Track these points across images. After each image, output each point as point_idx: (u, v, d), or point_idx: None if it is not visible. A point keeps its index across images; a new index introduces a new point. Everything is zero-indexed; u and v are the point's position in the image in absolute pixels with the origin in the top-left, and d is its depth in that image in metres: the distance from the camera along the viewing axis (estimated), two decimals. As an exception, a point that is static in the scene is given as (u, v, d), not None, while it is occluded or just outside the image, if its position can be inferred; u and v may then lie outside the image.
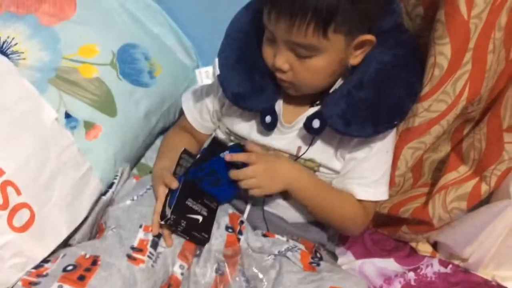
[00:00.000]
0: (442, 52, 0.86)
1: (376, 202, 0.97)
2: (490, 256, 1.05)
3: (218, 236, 0.93)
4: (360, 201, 0.96)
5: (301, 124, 0.95)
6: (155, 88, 1.12)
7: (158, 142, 1.19)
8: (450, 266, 1.09)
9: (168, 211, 0.89)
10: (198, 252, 0.91)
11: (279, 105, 0.97)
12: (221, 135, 1.05)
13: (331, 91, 0.92)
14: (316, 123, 0.90)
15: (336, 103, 0.89)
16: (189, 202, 0.91)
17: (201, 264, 0.90)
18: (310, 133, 0.92)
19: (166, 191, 0.91)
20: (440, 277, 1.08)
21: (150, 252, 0.86)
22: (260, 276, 0.88)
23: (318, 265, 0.90)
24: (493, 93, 0.94)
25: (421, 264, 1.09)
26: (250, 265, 0.89)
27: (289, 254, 0.91)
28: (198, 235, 0.91)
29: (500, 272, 1.07)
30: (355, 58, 0.89)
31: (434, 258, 1.11)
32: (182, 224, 0.89)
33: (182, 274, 0.88)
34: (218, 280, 0.89)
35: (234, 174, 0.91)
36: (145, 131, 1.11)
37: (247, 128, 1.00)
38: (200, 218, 0.91)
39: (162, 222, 0.89)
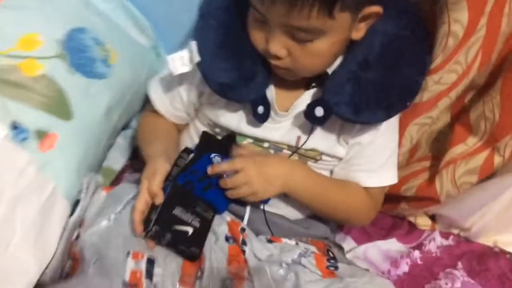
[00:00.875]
0: (457, 19, 0.76)
1: (384, 187, 0.89)
2: (492, 222, 1.01)
3: (218, 251, 0.80)
4: (366, 189, 0.87)
5: (297, 110, 0.84)
6: (113, 78, 0.95)
7: (120, 139, 1.03)
8: (451, 237, 1.05)
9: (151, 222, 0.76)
10: (199, 273, 0.79)
11: (271, 91, 0.84)
12: (201, 127, 0.91)
13: (330, 71, 0.80)
14: (319, 112, 0.79)
15: (341, 88, 0.78)
16: (177, 211, 0.77)
17: (205, 286, 0.77)
18: (313, 123, 0.80)
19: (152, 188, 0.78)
20: (445, 251, 1.03)
21: (147, 286, 0.73)
22: (278, 293, 0.77)
23: (336, 268, 0.81)
24: (499, 57, 0.86)
25: (424, 240, 1.04)
26: (261, 280, 0.78)
27: (303, 261, 0.80)
28: (186, 249, 0.78)
29: (503, 237, 1.03)
30: (358, 32, 0.77)
31: (435, 231, 1.06)
32: (167, 236, 0.76)
33: (186, 302, 0.76)
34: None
35: (223, 182, 0.80)
36: (107, 131, 0.94)
37: (234, 120, 0.86)
38: (190, 230, 0.78)
39: (142, 234, 0.76)
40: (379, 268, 0.99)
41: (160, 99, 0.92)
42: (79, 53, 0.90)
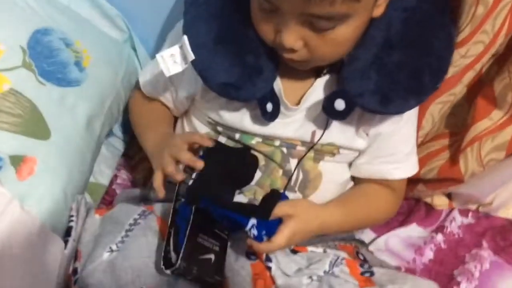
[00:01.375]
0: (487, -17, 0.67)
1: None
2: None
3: (241, 270, 0.71)
4: (389, 181, 0.79)
5: (310, 102, 0.74)
6: (89, 83, 0.82)
7: (103, 150, 0.90)
8: (470, 214, 0.99)
9: (174, 255, 0.65)
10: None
11: (278, 84, 0.74)
12: (198, 124, 0.81)
13: (345, 57, 0.71)
14: (340, 105, 0.69)
15: (363, 75, 0.68)
16: (201, 239, 0.67)
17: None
18: (334, 118, 0.71)
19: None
20: (466, 230, 0.97)
21: (170, 325, 0.64)
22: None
23: (372, 274, 0.73)
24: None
25: (444, 222, 0.97)
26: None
27: (336, 270, 0.72)
28: (211, 279, 0.68)
29: (521, 208, 0.98)
30: (378, 8, 0.67)
31: (453, 209, 0.99)
32: (194, 271, 0.66)
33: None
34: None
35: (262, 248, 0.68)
36: (91, 145, 0.82)
37: (237, 118, 0.76)
38: (212, 257, 0.68)
39: (168, 272, 0.65)
40: (403, 258, 0.92)
41: (152, 93, 0.84)
42: (47, 58, 0.78)
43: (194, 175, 0.69)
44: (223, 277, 0.70)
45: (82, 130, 0.79)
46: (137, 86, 0.87)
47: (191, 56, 0.68)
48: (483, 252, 0.93)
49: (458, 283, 0.88)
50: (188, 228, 0.65)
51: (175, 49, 0.70)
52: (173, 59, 0.70)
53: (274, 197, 0.70)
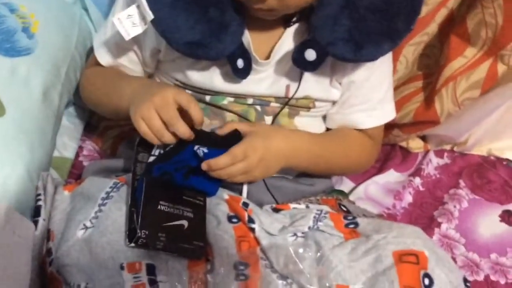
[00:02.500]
0: None
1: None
2: (487, 132, 0.95)
3: (223, 235, 0.68)
4: (364, 131, 0.77)
5: (281, 55, 0.71)
6: (41, 50, 0.76)
7: (64, 121, 0.85)
8: (446, 154, 1.00)
9: (137, 227, 0.63)
10: (209, 267, 0.67)
11: (246, 38, 0.70)
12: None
13: (315, 2, 0.66)
14: (310, 55, 0.66)
15: (334, 22, 0.65)
16: (163, 206, 0.64)
17: (218, 279, 0.66)
18: (304, 70, 0.68)
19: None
20: (443, 171, 0.98)
21: (155, 300, 0.61)
22: (298, 266, 0.67)
23: (356, 225, 0.71)
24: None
25: (421, 165, 0.97)
26: (278, 257, 0.68)
27: (320, 225, 0.70)
28: (188, 246, 0.66)
29: (496, 145, 0.99)
30: None
31: (428, 151, 0.99)
32: (162, 239, 0.63)
33: (204, 305, 0.65)
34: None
35: (216, 174, 0.66)
36: (51, 117, 0.77)
37: (206, 78, 0.72)
38: (184, 223, 0.66)
39: (132, 245, 0.62)
40: (384, 204, 0.92)
41: (110, 59, 0.77)
42: (-8, 27, 0.71)
43: (155, 151, 0.66)
44: (205, 242, 0.67)
45: (39, 102, 0.74)
46: (90, 63, 0.80)
47: (150, 16, 0.63)
48: (461, 191, 0.93)
49: (439, 224, 0.89)
50: (142, 196, 0.63)
51: (133, 9, 0.65)
52: (131, 21, 0.65)
53: (235, 136, 0.68)
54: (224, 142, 0.68)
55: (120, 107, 0.70)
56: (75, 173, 0.85)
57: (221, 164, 0.65)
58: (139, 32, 0.65)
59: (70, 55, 0.81)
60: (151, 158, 0.68)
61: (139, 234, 0.61)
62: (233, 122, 0.72)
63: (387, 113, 0.79)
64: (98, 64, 0.78)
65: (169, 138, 0.65)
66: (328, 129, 0.80)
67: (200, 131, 0.68)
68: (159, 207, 0.64)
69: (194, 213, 0.67)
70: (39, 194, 0.71)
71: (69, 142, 0.84)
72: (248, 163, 0.66)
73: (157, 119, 0.64)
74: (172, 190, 0.66)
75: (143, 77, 0.77)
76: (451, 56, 0.81)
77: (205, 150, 0.65)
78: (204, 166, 0.65)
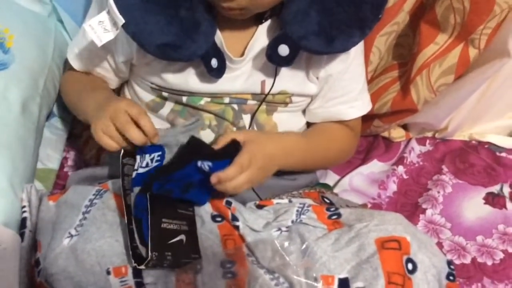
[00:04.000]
0: None
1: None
2: (467, 117, 0.96)
3: (209, 234, 0.69)
4: (345, 124, 0.79)
5: (255, 52, 0.72)
6: (17, 64, 0.77)
7: (46, 133, 0.86)
8: (428, 141, 1.01)
9: (143, 249, 0.62)
10: (198, 267, 0.68)
11: (218, 37, 0.71)
12: (141, 92, 0.77)
13: None
14: (283, 50, 0.67)
15: (304, 16, 0.66)
16: (165, 224, 0.65)
17: (206, 279, 0.67)
18: (279, 65, 0.69)
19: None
20: (425, 158, 0.99)
21: (142, 304, 0.62)
22: (284, 259, 0.68)
23: (339, 215, 0.72)
24: None
25: (403, 153, 0.98)
26: (264, 253, 0.68)
27: (303, 218, 0.71)
28: (188, 260, 0.66)
29: (477, 129, 1.00)
30: None
31: (410, 140, 1.00)
32: (168, 257, 0.64)
33: (192, 304, 0.65)
34: (233, 285, 0.67)
35: (224, 187, 0.66)
36: (31, 130, 0.77)
37: (181, 79, 0.73)
38: (183, 237, 0.66)
39: (143, 267, 0.62)
40: (368, 194, 0.93)
41: (86, 67, 0.78)
42: (-35, 44, 0.71)
43: (141, 163, 0.66)
44: (200, 255, 0.68)
45: (18, 115, 0.74)
46: (67, 67, 0.81)
47: (121, 20, 0.64)
48: (444, 177, 0.95)
49: (424, 210, 0.90)
50: (149, 218, 0.63)
51: (103, 16, 0.65)
52: (103, 27, 0.66)
53: (233, 146, 0.68)
54: (223, 154, 0.68)
55: (86, 118, 0.72)
56: (61, 184, 0.86)
57: (230, 176, 0.65)
58: (111, 38, 0.66)
59: (47, 67, 0.82)
60: (141, 170, 0.67)
61: (150, 257, 0.61)
62: (228, 133, 0.72)
63: (367, 103, 0.81)
64: (73, 68, 0.79)
65: (126, 143, 0.65)
66: (308, 124, 0.82)
67: (197, 144, 0.67)
68: (162, 225, 0.64)
69: (188, 225, 0.68)
70: (24, 206, 0.72)
71: (52, 154, 0.85)
72: (251, 172, 0.67)
73: (112, 126, 0.64)
74: (168, 205, 0.66)
75: (107, 92, 0.77)
76: (423, 43, 0.82)
77: (210, 164, 0.64)
78: (213, 179, 0.64)
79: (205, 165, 0.64)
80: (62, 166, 0.88)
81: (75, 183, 0.77)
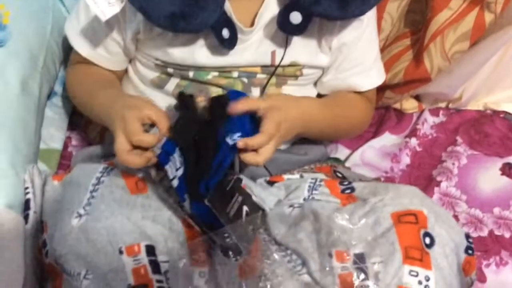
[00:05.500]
0: None
1: None
2: (481, 86, 0.93)
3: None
4: (362, 93, 0.76)
5: (265, 21, 0.69)
6: (14, 41, 0.74)
7: (48, 112, 0.83)
8: (441, 112, 0.98)
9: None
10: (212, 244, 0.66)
11: (227, 6, 0.68)
12: (144, 70, 0.74)
13: None
14: (295, 18, 0.64)
15: None
16: (230, 211, 0.63)
17: (219, 258, 0.65)
18: (291, 34, 0.66)
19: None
20: (439, 129, 0.95)
21: (158, 280, 0.60)
22: (298, 236, 0.66)
23: (353, 189, 0.70)
24: None
25: (416, 125, 0.95)
26: (278, 230, 0.66)
27: (316, 194, 0.69)
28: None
29: (492, 98, 0.97)
30: None
31: (423, 111, 0.97)
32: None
33: (206, 282, 0.63)
34: (245, 264, 0.65)
35: (255, 159, 0.63)
36: (32, 109, 0.75)
37: (188, 53, 0.70)
38: (246, 208, 0.64)
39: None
40: (381, 168, 0.90)
41: (88, 48, 0.74)
42: (-40, 21, 0.69)
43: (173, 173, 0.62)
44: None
45: (18, 94, 0.72)
46: (72, 56, 0.78)
47: (124, -10, 0.61)
48: (459, 148, 0.92)
49: (439, 183, 0.87)
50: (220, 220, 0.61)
51: (106, -13, 0.62)
52: (107, 0, 0.63)
53: (223, 99, 0.65)
54: (218, 116, 0.64)
55: (101, 122, 0.72)
56: (65, 164, 0.84)
57: (258, 142, 0.62)
58: (117, 11, 0.63)
59: (46, 44, 0.79)
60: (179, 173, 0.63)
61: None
62: (251, 98, 0.68)
63: (381, 73, 0.78)
64: (79, 61, 0.76)
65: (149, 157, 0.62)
66: (320, 95, 0.79)
67: (215, 116, 0.64)
68: (230, 215, 0.62)
69: (242, 195, 0.65)
70: (27, 188, 0.70)
71: (56, 133, 0.83)
72: (277, 140, 0.64)
73: (128, 145, 0.62)
74: (221, 193, 0.63)
75: (115, 91, 0.74)
76: (437, 9, 0.79)
77: (239, 135, 0.61)
78: (240, 143, 0.61)
79: (235, 138, 0.61)
80: (66, 145, 0.86)
81: (80, 162, 0.75)
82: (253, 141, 0.62)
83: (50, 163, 0.80)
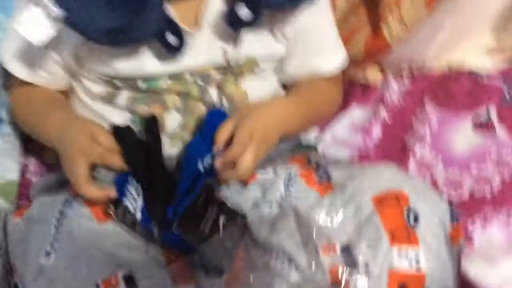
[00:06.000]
0: None
1: None
2: (443, 45, 0.91)
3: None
4: (327, 77, 0.74)
5: (211, 19, 0.67)
6: None
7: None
8: (405, 77, 0.95)
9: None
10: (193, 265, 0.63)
11: (168, 10, 0.63)
12: (91, 85, 0.70)
13: None
14: (244, 12, 0.61)
15: None
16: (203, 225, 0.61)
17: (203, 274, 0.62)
18: (241, 28, 0.63)
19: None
20: (406, 95, 0.93)
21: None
22: (281, 235, 0.63)
23: (329, 177, 0.68)
24: None
25: (383, 95, 0.93)
26: (259, 233, 0.64)
27: (292, 190, 0.66)
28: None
29: (454, 55, 0.94)
30: None
31: (387, 79, 0.94)
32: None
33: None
34: (230, 278, 0.63)
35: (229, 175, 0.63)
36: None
37: (135, 63, 0.66)
38: (224, 219, 0.62)
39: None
40: (353, 144, 0.88)
41: (27, 71, 0.70)
42: None
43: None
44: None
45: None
46: (11, 83, 0.74)
47: (55, 11, 0.56)
48: (428, 111, 0.90)
49: (413, 150, 0.85)
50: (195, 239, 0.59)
51: (35, 11, 0.58)
52: (36, 22, 0.58)
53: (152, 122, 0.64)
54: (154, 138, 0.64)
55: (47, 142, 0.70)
56: (25, 194, 0.79)
57: (232, 154, 0.61)
58: (50, 34, 0.58)
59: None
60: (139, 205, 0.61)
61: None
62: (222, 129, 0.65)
63: (342, 51, 0.75)
64: (19, 83, 0.72)
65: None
66: (283, 87, 0.76)
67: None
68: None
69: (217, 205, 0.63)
70: (-13, 230, 0.66)
71: (9, 164, 0.78)
72: (256, 146, 0.62)
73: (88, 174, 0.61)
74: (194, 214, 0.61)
75: (63, 113, 0.70)
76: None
77: (208, 157, 0.60)
78: (218, 165, 0.60)
79: (206, 161, 0.59)
80: (23, 173, 0.81)
81: (38, 193, 0.71)
82: (227, 156, 0.60)
83: (9, 196, 0.76)
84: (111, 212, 0.60)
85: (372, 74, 0.94)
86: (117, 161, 0.62)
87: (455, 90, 0.92)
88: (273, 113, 0.67)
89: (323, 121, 0.86)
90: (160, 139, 0.64)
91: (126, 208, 0.58)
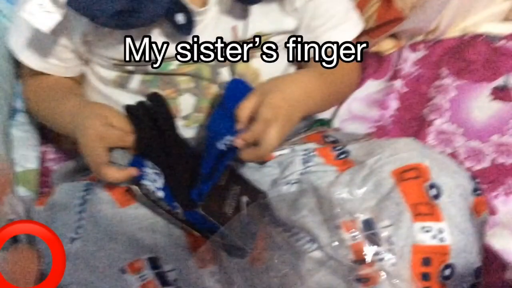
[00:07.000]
0: None
1: None
2: (456, 11, 0.89)
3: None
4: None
5: None
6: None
7: (16, 132, 0.78)
8: (421, 46, 0.92)
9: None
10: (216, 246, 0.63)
11: (175, -11, 0.62)
12: (103, 71, 0.69)
13: None
14: None
15: None
16: (227, 208, 0.61)
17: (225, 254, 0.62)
18: (250, 3, 0.61)
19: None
20: (422, 65, 0.91)
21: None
22: (302, 213, 0.63)
23: (347, 153, 0.67)
24: None
25: (399, 65, 0.91)
26: (279, 211, 0.64)
27: (311, 166, 0.66)
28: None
29: (469, 21, 0.92)
30: None
31: (402, 49, 0.92)
32: None
33: (218, 281, 0.61)
34: (253, 257, 0.63)
35: (261, 153, 0.59)
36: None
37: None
38: (245, 199, 0.62)
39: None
40: (370, 118, 0.86)
41: (39, 60, 0.69)
42: None
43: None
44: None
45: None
46: (23, 69, 0.74)
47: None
48: (446, 80, 0.88)
49: (432, 121, 0.84)
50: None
51: (39, -1, 0.57)
52: (44, 9, 0.58)
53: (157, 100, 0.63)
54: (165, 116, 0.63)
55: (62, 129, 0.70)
56: (46, 181, 0.80)
57: (254, 132, 0.58)
58: (58, 20, 0.58)
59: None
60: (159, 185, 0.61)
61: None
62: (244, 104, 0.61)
63: (357, 21, 0.74)
64: (31, 73, 0.72)
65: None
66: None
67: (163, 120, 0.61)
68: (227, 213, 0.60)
69: (239, 184, 0.64)
70: (10, 220, 0.67)
71: (29, 153, 0.78)
72: (280, 124, 0.58)
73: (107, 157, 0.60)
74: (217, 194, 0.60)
75: (76, 101, 0.69)
76: None
77: (230, 138, 0.57)
78: (239, 142, 0.57)
79: (226, 141, 0.57)
80: (43, 161, 0.82)
81: (59, 180, 0.72)
82: (247, 134, 0.57)
83: (30, 184, 0.76)
84: (134, 193, 0.60)
85: (385, 44, 0.92)
86: (135, 142, 0.61)
87: (472, 57, 0.89)
88: (299, 86, 0.64)
89: (343, 99, 0.85)
90: (171, 114, 0.63)
91: (147, 188, 0.58)
